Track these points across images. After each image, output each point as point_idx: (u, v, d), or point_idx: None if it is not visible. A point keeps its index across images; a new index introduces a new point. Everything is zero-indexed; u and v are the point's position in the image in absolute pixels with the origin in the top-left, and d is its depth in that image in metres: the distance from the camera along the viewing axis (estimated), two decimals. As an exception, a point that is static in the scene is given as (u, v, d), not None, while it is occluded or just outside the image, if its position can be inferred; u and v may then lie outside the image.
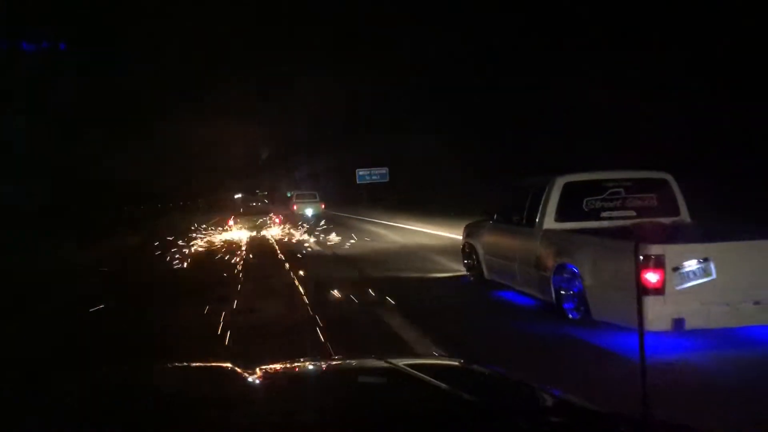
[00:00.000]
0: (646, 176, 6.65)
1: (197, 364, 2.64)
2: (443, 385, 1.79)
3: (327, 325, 5.82)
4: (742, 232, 5.14)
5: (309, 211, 31.28)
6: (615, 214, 6.45)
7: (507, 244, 7.25)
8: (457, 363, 2.43)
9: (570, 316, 5.72)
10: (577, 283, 5.60)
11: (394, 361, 2.17)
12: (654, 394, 3.13)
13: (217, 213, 31.09)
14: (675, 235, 5.47)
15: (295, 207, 32.73)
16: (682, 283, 4.67)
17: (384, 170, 38.39)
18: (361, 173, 38.94)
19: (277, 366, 2.38)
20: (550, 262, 6.03)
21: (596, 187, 6.51)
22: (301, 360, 2.51)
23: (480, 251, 8.06)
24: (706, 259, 4.68)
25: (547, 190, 6.56)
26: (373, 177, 38.74)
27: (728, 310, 4.75)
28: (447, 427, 1.50)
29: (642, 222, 6.09)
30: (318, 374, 2.30)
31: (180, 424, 1.64)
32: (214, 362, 2.62)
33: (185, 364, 2.60)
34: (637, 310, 2.83)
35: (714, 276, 4.67)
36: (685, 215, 6.56)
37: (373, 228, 19.17)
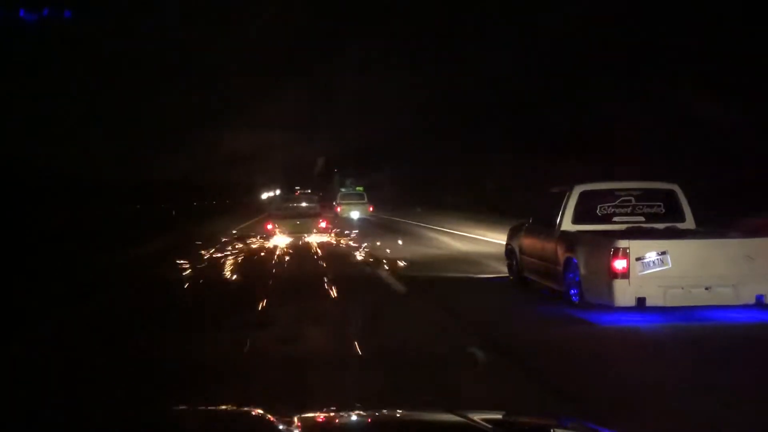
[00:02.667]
0: (655, 186, 9.33)
1: (222, 408, 2.86)
2: None
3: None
4: (703, 232, 7.80)
5: (355, 214, 33.15)
6: (625, 219, 9.14)
7: (536, 245, 10.03)
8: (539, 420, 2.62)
9: (573, 300, 8.48)
10: (577, 273, 8.36)
11: (466, 414, 2.27)
12: (601, 347, 6.30)
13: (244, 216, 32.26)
14: (643, 234, 8.16)
15: (339, 209, 34.38)
16: (643, 270, 7.41)
17: None
18: None
19: (319, 415, 2.47)
20: (562, 258, 8.81)
21: (609, 195, 9.24)
22: (348, 409, 2.60)
23: (518, 252, 10.86)
24: (664, 252, 7.41)
25: (567, 196, 9.33)
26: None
27: (682, 293, 7.44)
28: None
29: (639, 226, 8.76)
30: (367, 429, 2.33)
31: None
32: (243, 408, 2.78)
33: (207, 408, 2.84)
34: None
35: (670, 265, 7.38)
36: (690, 221, 9.15)
37: (436, 235, 22.00)
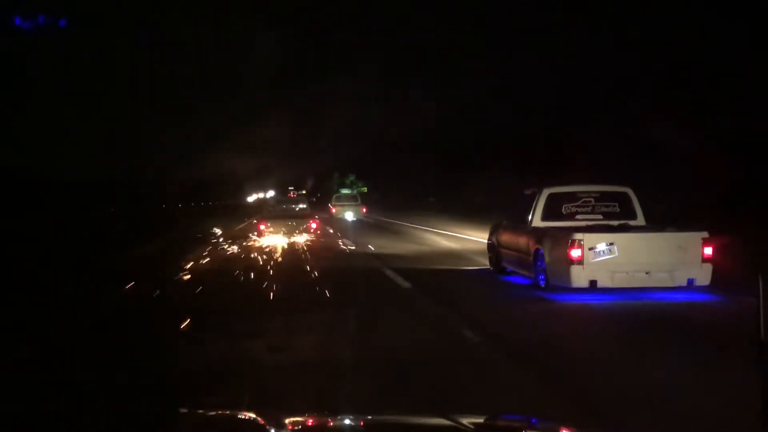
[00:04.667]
0: (611, 189, 11.02)
1: (212, 412, 2.93)
2: None
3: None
4: (646, 227, 9.51)
5: (349, 215, 35.81)
6: (586, 217, 10.81)
7: (512, 239, 11.68)
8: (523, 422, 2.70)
9: (541, 284, 10.13)
10: (543, 261, 10.02)
11: (456, 418, 2.37)
12: (556, 318, 8.04)
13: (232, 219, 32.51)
14: (597, 228, 9.83)
15: (334, 210, 37.26)
16: (595, 258, 9.08)
17: None
18: None
19: (309, 420, 2.54)
20: (532, 249, 10.47)
21: (573, 196, 10.91)
22: (341, 415, 2.69)
23: (497, 246, 12.51)
24: (611, 243, 9.09)
25: (537, 197, 10.99)
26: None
27: (626, 277, 9.12)
28: None
29: (596, 223, 10.43)
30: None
31: None
32: (235, 411, 2.87)
33: (198, 411, 2.92)
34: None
35: (617, 254, 9.07)
36: (641, 219, 10.82)
37: (425, 234, 23.66)
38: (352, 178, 69.07)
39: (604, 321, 8.25)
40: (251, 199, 75.94)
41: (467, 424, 2.31)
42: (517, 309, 9.11)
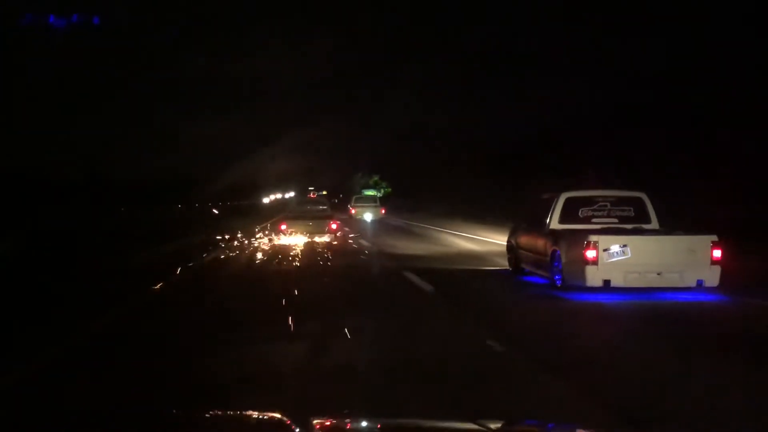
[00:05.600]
0: (627, 194, 11.52)
1: (238, 413, 2.98)
2: None
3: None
4: (659, 231, 10.01)
5: (368, 216, 36.71)
6: (602, 220, 11.31)
7: (530, 241, 12.21)
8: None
9: (557, 284, 10.65)
10: (560, 262, 10.54)
11: (488, 424, 2.35)
12: (569, 315, 8.62)
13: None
14: (611, 231, 10.33)
15: (353, 211, 38.15)
16: (609, 259, 9.60)
17: None
18: None
19: (335, 422, 2.54)
20: (549, 250, 11.00)
21: (589, 201, 11.42)
22: (366, 415, 2.72)
23: (515, 247, 13.04)
24: (625, 245, 9.60)
25: (555, 201, 11.51)
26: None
27: (638, 277, 9.63)
28: None
29: (611, 226, 10.94)
30: None
31: None
32: (259, 412, 2.86)
33: (223, 413, 2.96)
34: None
35: (630, 255, 9.58)
36: (655, 222, 11.30)
37: (444, 236, 24.20)
38: (375, 178, 69.33)
39: (616, 318, 8.78)
40: (267, 200, 74.10)
41: (493, 429, 2.31)
42: (533, 306, 9.67)
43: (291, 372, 5.98)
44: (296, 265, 14.90)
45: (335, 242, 21.16)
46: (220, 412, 3.00)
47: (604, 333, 7.96)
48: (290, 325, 7.90)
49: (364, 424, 2.60)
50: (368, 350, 6.80)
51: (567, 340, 7.36)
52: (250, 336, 7.45)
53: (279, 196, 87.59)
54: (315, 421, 2.44)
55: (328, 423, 2.50)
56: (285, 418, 2.50)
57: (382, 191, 64.95)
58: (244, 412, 3.05)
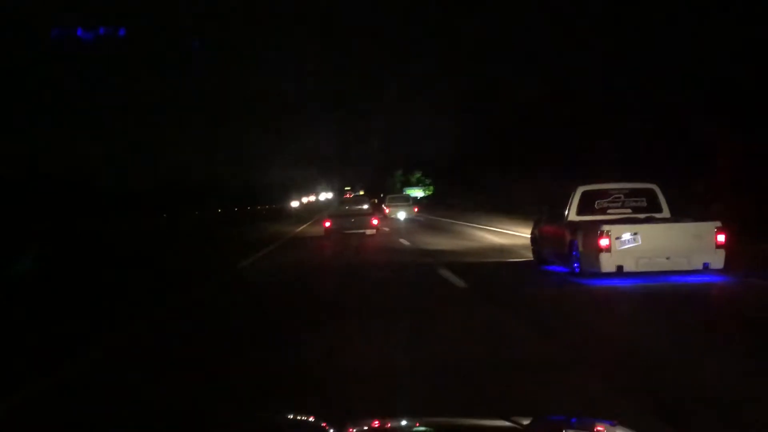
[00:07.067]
0: (639, 186, 12.38)
1: (276, 414, 3.05)
2: None
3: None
4: (668, 219, 10.90)
5: (402, 215, 38.53)
6: (617, 211, 12.19)
7: (551, 232, 13.12)
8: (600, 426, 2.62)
9: (575, 271, 11.57)
10: (577, 251, 11.45)
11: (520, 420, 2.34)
12: (589, 297, 9.66)
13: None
14: (622, 221, 11.22)
15: (387, 210, 40.16)
16: (621, 246, 10.50)
17: None
18: None
19: (368, 421, 2.53)
20: (568, 240, 11.91)
21: (604, 193, 12.31)
22: (402, 418, 2.72)
23: (538, 239, 13.96)
24: (635, 233, 10.50)
25: (572, 195, 12.42)
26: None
27: (648, 262, 10.52)
28: None
29: (625, 216, 11.82)
30: None
31: None
32: (297, 414, 2.85)
33: (262, 415, 3.06)
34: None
35: (640, 242, 10.47)
36: (666, 212, 12.14)
37: (483, 234, 25.14)
38: (418, 175, 68.92)
39: (631, 300, 9.67)
40: (296, 204, 70.69)
41: (524, 425, 2.34)
42: (552, 291, 10.66)
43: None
44: (338, 262, 16.31)
45: (374, 238, 23.52)
46: (254, 414, 3.23)
47: (619, 313, 8.86)
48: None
49: (397, 423, 2.58)
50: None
51: (580, 318, 8.33)
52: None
53: (312, 198, 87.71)
54: (346, 422, 2.48)
55: (360, 423, 2.51)
56: (319, 420, 2.52)
57: (425, 190, 65.14)
58: (279, 413, 3.15)
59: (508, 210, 31.83)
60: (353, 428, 2.35)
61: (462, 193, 47.99)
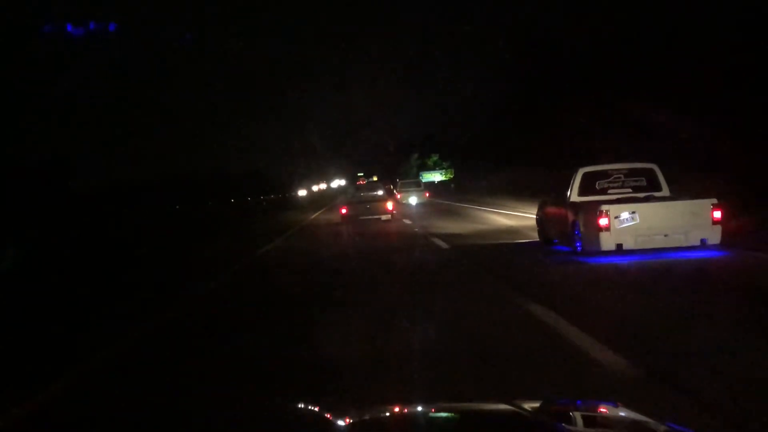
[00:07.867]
0: (638, 166, 12.74)
1: (277, 402, 3.09)
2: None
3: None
4: (666, 197, 11.28)
5: (413, 200, 39.34)
6: (617, 191, 12.57)
7: (555, 213, 13.52)
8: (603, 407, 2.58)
9: (578, 250, 11.98)
10: (579, 230, 11.86)
11: (522, 404, 2.33)
12: (588, 273, 10.11)
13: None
14: (620, 200, 11.61)
15: (399, 195, 40.85)
16: (620, 225, 10.90)
17: None
18: None
19: (374, 412, 2.52)
20: (570, 220, 12.32)
21: (605, 174, 12.68)
22: (407, 405, 2.69)
23: (543, 220, 14.36)
24: (633, 212, 10.90)
25: (574, 176, 12.80)
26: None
27: (647, 239, 10.92)
28: None
29: (625, 196, 12.20)
30: (426, 424, 2.36)
31: None
32: (298, 403, 2.86)
33: (262, 402, 3.11)
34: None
35: (638, 221, 10.87)
36: (665, 191, 12.51)
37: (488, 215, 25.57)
38: (435, 158, 68.02)
39: (630, 275, 10.10)
40: (303, 192, 69.55)
41: (528, 409, 2.34)
42: (555, 268, 11.09)
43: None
44: (355, 243, 16.91)
45: (388, 222, 24.67)
46: (254, 401, 3.33)
47: (615, 285, 9.26)
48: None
49: (397, 410, 2.54)
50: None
51: (585, 293, 8.76)
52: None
53: (323, 186, 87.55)
54: (351, 408, 2.50)
55: (364, 409, 2.54)
56: (323, 412, 2.52)
57: (444, 174, 64.19)
58: (283, 402, 3.17)
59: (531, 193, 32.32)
60: (355, 412, 2.38)
61: (484, 175, 47.77)
